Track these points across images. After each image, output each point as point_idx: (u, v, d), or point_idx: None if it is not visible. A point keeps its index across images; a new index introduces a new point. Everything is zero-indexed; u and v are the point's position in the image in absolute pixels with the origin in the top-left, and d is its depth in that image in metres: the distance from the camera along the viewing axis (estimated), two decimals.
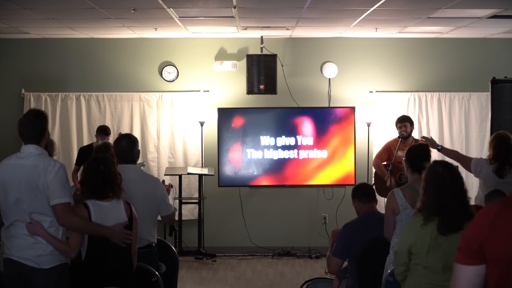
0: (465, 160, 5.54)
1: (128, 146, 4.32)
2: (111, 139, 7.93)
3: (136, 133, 8.06)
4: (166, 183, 7.41)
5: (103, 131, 7.24)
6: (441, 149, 5.82)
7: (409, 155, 4.32)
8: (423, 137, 6.25)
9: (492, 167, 5.16)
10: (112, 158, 3.90)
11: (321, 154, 8.02)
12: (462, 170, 7.79)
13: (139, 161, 4.62)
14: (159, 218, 4.45)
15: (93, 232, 3.61)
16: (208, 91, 8.19)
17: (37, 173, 3.54)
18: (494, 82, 6.55)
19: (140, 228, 3.96)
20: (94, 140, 7.38)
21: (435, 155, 7.25)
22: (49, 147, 4.53)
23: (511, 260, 1.94)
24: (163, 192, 4.40)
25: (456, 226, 3.28)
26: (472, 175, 7.84)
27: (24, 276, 3.58)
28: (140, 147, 4.55)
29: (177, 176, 7.87)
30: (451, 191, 3.34)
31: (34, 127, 3.65)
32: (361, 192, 4.65)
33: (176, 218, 7.30)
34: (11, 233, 3.62)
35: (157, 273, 4.03)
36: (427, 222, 3.33)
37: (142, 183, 4.28)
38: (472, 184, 8.06)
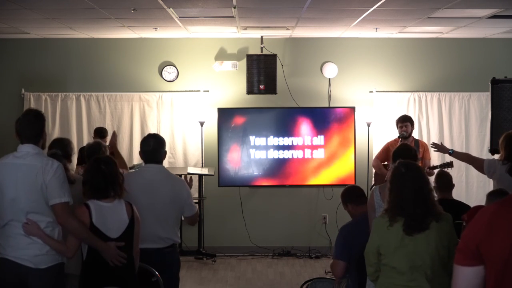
0: (477, 162, 5.53)
1: (156, 146, 4.34)
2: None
3: (136, 133, 8.07)
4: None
5: (98, 133, 7.30)
6: (452, 153, 5.82)
7: (394, 156, 4.33)
8: (433, 143, 6.21)
9: (505, 167, 5.13)
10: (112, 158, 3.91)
11: (321, 154, 8.01)
12: (461, 170, 7.87)
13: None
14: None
15: (88, 241, 3.59)
16: (208, 91, 8.19)
17: (34, 173, 3.53)
18: (494, 82, 6.54)
19: (166, 228, 4.13)
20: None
21: (434, 157, 7.28)
22: (67, 147, 4.53)
23: (507, 260, 1.94)
24: (188, 193, 4.39)
25: (421, 226, 3.30)
26: (473, 175, 7.92)
27: (20, 276, 3.57)
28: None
29: (182, 176, 7.86)
30: (413, 191, 3.36)
31: (34, 127, 3.65)
32: (355, 196, 4.63)
33: None
34: (6, 232, 3.61)
35: (157, 273, 4.03)
36: (392, 223, 3.35)
37: (168, 183, 4.30)
38: (472, 184, 8.10)
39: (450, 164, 6.50)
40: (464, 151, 7.56)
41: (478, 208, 4.10)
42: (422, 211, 3.33)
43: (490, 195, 4.25)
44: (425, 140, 7.79)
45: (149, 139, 4.39)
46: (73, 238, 3.60)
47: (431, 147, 6.30)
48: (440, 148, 5.99)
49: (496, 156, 5.57)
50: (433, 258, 3.29)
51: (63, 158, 4.10)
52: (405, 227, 3.32)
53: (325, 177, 8.04)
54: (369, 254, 3.50)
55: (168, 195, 4.24)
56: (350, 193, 4.67)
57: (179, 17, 6.56)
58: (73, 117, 8.15)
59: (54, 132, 7.99)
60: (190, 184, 4.63)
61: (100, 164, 3.69)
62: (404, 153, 4.26)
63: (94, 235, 3.57)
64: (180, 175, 7.70)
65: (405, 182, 3.39)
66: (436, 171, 5.90)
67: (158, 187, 4.20)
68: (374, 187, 4.30)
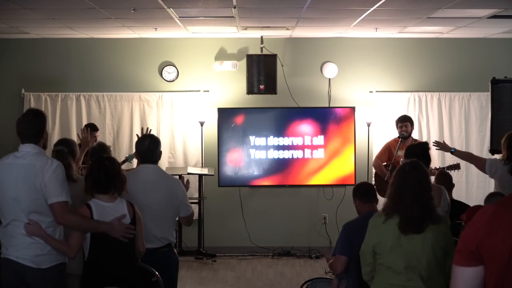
0: (479, 161, 5.52)
1: (151, 147, 4.34)
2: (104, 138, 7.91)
3: (136, 133, 8.05)
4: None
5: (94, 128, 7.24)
6: (454, 152, 5.80)
7: (408, 154, 4.32)
8: (436, 141, 6.18)
9: (506, 167, 5.13)
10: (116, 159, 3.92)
11: (321, 154, 8.01)
12: (462, 170, 7.88)
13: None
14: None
15: (92, 229, 3.59)
16: (208, 91, 8.19)
17: (34, 172, 3.53)
18: (494, 82, 6.54)
19: (162, 227, 4.14)
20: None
21: (436, 156, 7.29)
22: (73, 146, 4.56)
23: (507, 261, 1.94)
24: (184, 193, 4.41)
25: (417, 227, 3.28)
26: (473, 174, 7.92)
27: (21, 276, 3.57)
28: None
29: (177, 176, 7.86)
30: (413, 191, 3.34)
31: (33, 127, 3.65)
32: (362, 192, 4.63)
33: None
34: (8, 232, 3.61)
35: (157, 273, 4.03)
36: (387, 218, 3.34)
37: (164, 183, 4.32)
38: (472, 184, 8.10)
39: (457, 166, 6.46)
40: (464, 151, 7.55)
41: (476, 208, 4.11)
42: (419, 213, 3.31)
43: (489, 199, 4.26)
44: (425, 140, 7.78)
45: (144, 139, 4.41)
46: (76, 238, 3.60)
47: (433, 145, 6.30)
48: (442, 146, 5.98)
49: (497, 156, 5.56)
50: (429, 259, 3.27)
51: (69, 155, 4.14)
52: (401, 226, 3.30)
53: (325, 177, 8.04)
54: (364, 253, 3.50)
55: (164, 195, 4.25)
56: (359, 189, 4.67)
57: (179, 17, 6.56)
58: (73, 117, 8.15)
59: (54, 132, 7.99)
60: (186, 186, 4.64)
61: (103, 160, 3.73)
62: (422, 153, 4.26)
63: (96, 221, 3.58)
64: (180, 175, 7.80)
65: (407, 181, 3.37)
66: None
67: (154, 187, 4.22)
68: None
